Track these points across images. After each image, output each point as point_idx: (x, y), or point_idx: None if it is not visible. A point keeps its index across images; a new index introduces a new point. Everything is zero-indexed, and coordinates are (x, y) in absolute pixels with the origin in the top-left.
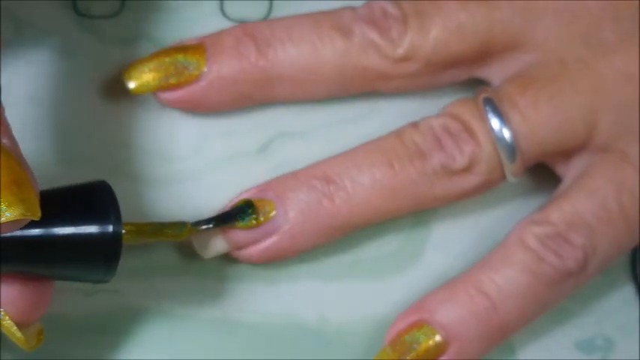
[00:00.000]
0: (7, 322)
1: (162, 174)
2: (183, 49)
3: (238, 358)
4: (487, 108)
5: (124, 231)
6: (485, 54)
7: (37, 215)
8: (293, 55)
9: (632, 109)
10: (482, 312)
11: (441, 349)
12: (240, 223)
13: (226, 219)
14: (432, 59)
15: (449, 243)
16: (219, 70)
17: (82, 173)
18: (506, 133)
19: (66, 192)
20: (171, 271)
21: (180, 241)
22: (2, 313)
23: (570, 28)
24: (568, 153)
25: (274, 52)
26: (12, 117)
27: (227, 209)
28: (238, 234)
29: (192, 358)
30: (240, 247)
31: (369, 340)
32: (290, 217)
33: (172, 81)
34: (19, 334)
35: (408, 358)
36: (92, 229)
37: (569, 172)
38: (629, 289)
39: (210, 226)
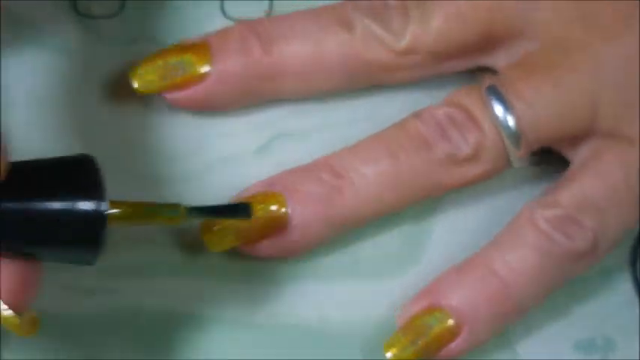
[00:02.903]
0: None
1: (162, 174)
2: (186, 47)
3: (239, 357)
4: (490, 96)
5: (111, 210)
6: (487, 42)
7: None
8: (297, 50)
9: (632, 91)
10: (494, 294)
11: (453, 332)
12: (235, 219)
13: (221, 212)
14: (434, 50)
15: (449, 243)
16: (224, 68)
17: None
18: (511, 121)
19: (49, 164)
20: (171, 271)
21: (173, 225)
22: None
23: (570, 13)
24: (574, 138)
25: (278, 47)
26: (12, 117)
27: (225, 204)
28: (249, 228)
29: (193, 358)
30: (249, 242)
31: (369, 340)
32: (300, 211)
33: (177, 80)
34: (11, 315)
35: (420, 342)
36: (75, 205)
37: (576, 155)
38: (629, 289)
39: (203, 215)
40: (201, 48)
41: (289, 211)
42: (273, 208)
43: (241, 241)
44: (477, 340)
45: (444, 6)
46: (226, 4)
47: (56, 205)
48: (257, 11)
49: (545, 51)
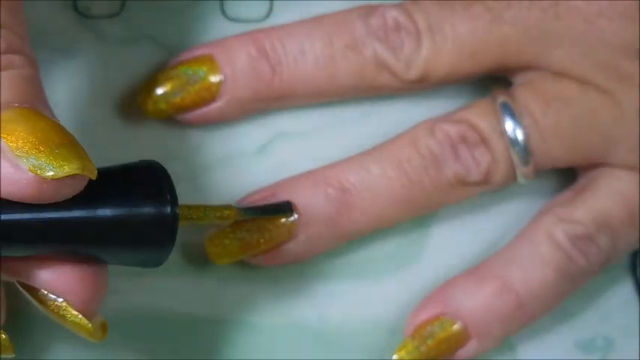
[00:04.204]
0: (72, 313)
1: None
2: (192, 63)
3: (238, 357)
4: (506, 119)
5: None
6: (499, 70)
7: (93, 173)
8: (307, 74)
9: None
10: (508, 310)
11: (462, 340)
12: (280, 219)
13: (266, 211)
14: (444, 80)
15: (448, 244)
16: (234, 92)
17: None
18: (523, 145)
19: (118, 171)
20: (171, 271)
21: (225, 222)
22: (64, 304)
23: (589, 57)
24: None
25: (288, 71)
26: None
27: (270, 203)
28: (252, 240)
29: (193, 358)
30: (254, 255)
31: (369, 340)
32: (306, 227)
33: (187, 100)
34: (85, 321)
35: (428, 349)
36: (149, 209)
37: (587, 170)
38: (629, 289)
39: (251, 214)
40: (206, 62)
41: (295, 226)
42: (280, 221)
43: (246, 254)
44: (485, 349)
45: (457, 37)
46: (226, 4)
47: (131, 209)
48: (257, 12)
49: (565, 85)
